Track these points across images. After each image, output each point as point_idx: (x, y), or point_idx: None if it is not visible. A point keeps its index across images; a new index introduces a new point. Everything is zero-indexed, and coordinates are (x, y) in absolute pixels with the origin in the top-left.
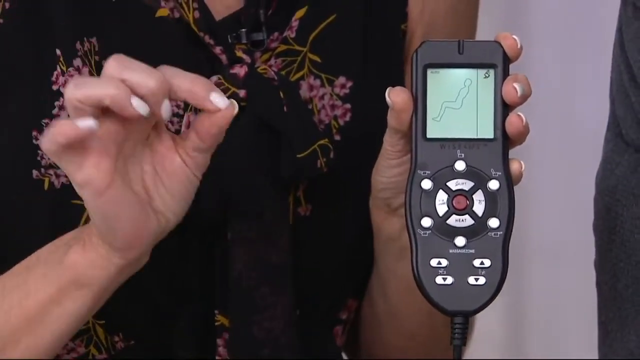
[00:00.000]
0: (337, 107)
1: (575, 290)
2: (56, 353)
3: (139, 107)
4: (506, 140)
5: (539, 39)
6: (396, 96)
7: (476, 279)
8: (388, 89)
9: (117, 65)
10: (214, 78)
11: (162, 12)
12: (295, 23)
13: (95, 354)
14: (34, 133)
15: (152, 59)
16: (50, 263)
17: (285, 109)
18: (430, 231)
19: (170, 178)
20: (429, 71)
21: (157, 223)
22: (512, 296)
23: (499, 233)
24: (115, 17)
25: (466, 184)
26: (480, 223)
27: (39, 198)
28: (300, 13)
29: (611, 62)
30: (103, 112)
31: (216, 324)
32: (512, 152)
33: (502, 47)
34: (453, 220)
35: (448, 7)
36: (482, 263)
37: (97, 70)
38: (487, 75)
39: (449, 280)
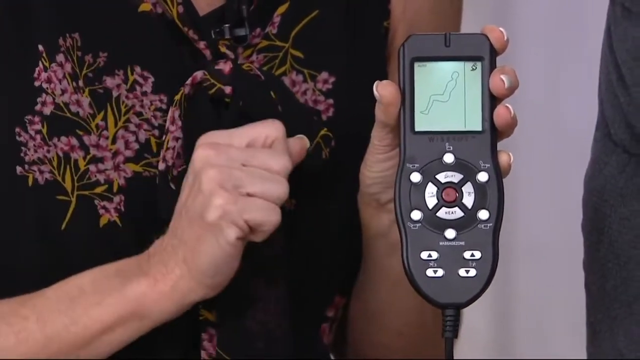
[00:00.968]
0: (320, 103)
1: (563, 291)
2: None
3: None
4: (494, 132)
5: (526, 35)
6: (384, 90)
7: (467, 271)
8: (376, 83)
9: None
10: (200, 73)
11: (145, 7)
12: (277, 19)
13: None
14: (17, 129)
15: (135, 55)
16: (105, 292)
17: (280, 108)
18: (420, 224)
19: None
20: (416, 65)
21: None
22: (500, 297)
23: (488, 225)
24: (97, 13)
25: (455, 177)
26: (470, 215)
27: (24, 194)
28: (282, 9)
29: (599, 63)
30: None
31: (200, 318)
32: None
33: (488, 39)
34: (443, 213)
35: (431, 4)
36: (472, 255)
37: (79, 66)
38: (474, 67)
39: (440, 272)
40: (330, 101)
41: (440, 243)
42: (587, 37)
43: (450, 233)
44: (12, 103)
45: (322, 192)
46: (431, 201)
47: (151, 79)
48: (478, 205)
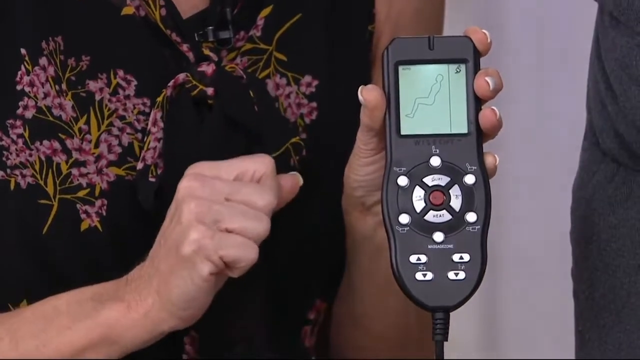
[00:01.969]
0: (303, 106)
1: (551, 300)
2: None
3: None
4: (480, 135)
5: (514, 39)
6: (368, 94)
7: (456, 274)
8: (360, 87)
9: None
10: (182, 75)
11: (128, 10)
12: (260, 22)
13: None
14: None
15: (118, 58)
16: (77, 316)
17: (255, 108)
18: (408, 228)
19: None
20: (400, 68)
21: None
22: (488, 306)
23: (476, 227)
24: (80, 16)
25: (442, 180)
26: (458, 218)
27: (6, 198)
28: (265, 12)
29: (587, 72)
30: None
31: None
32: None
33: (472, 41)
34: (431, 216)
35: (415, 8)
36: (461, 258)
37: (62, 69)
38: (458, 70)
39: (429, 276)
40: (314, 104)
41: (429, 246)
42: (576, 44)
43: (438, 236)
44: None
45: (303, 196)
46: (419, 205)
47: (134, 83)
48: (465, 207)
